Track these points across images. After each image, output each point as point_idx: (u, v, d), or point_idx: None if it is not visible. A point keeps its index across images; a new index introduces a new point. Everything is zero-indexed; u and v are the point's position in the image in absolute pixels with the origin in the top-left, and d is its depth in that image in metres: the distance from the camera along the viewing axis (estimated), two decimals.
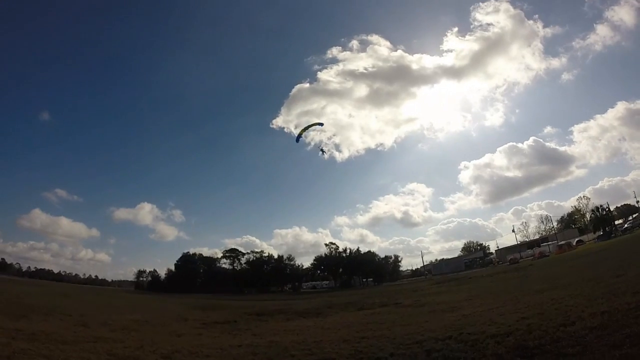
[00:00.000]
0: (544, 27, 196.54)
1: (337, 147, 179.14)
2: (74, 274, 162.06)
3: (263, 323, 25.05)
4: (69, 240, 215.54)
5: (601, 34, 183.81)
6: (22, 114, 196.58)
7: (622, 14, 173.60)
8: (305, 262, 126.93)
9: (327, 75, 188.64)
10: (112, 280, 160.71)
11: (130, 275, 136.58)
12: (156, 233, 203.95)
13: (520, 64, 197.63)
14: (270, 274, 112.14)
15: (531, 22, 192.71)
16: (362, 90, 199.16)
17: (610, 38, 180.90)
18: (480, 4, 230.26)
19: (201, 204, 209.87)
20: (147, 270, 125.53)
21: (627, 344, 8.05)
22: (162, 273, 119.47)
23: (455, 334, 12.75)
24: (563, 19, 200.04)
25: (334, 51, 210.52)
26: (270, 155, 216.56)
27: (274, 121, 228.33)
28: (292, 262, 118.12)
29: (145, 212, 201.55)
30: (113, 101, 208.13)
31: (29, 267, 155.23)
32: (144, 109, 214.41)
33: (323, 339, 15.86)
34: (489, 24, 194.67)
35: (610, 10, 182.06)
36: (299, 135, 30.92)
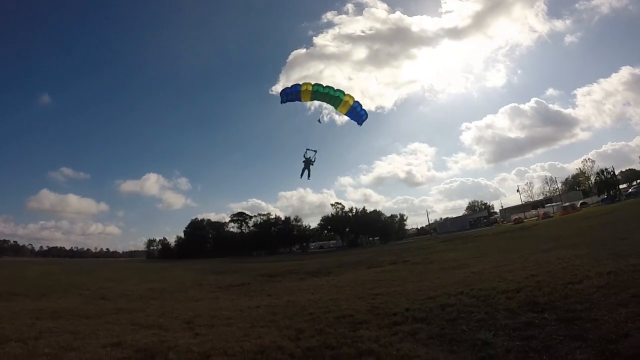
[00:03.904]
0: None
1: (337, 111, 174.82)
2: (85, 249, 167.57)
3: (276, 284, 25.88)
4: (78, 216, 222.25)
5: None
6: (22, 99, 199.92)
7: None
8: (312, 222, 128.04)
9: (323, 40, 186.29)
10: (124, 252, 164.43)
11: (141, 246, 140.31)
12: (163, 202, 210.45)
13: (523, 25, 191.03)
14: (278, 236, 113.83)
15: None
16: (361, 52, 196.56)
17: (618, 1, 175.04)
18: None
19: (206, 170, 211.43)
20: (157, 239, 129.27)
21: (633, 302, 8.46)
22: (172, 241, 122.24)
23: (466, 289, 13.34)
24: None
25: (329, 15, 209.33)
26: (271, 121, 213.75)
27: (273, 88, 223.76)
28: (299, 223, 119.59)
29: (152, 182, 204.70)
30: (112, 77, 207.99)
31: (41, 246, 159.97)
32: (143, 83, 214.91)
33: (338, 296, 16.48)
34: None
35: None
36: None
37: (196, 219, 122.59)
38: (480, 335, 8.08)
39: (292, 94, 19.70)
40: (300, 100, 20.20)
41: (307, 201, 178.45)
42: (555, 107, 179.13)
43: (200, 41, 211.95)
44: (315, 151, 20.48)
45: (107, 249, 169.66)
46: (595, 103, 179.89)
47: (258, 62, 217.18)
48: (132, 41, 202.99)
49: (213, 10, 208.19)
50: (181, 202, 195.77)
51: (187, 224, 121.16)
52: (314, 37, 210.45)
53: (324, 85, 19.60)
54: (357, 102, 20.03)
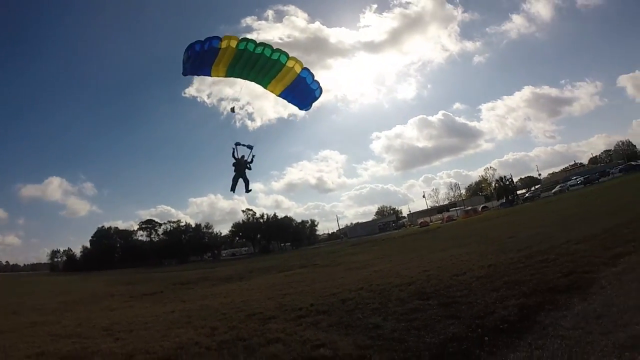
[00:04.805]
0: (464, 12, 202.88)
1: (250, 116, 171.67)
2: None
3: (190, 291, 25.81)
4: None
5: (517, 23, 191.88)
6: None
7: (540, 8, 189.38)
8: (223, 229, 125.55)
9: None
10: (25, 265, 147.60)
11: (43, 258, 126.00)
12: (67, 209, 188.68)
13: (436, 44, 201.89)
14: (189, 244, 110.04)
15: (451, 6, 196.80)
16: None
17: (526, 28, 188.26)
18: None
19: (113, 175, 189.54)
20: (62, 250, 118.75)
21: (503, 287, 10.00)
22: (78, 251, 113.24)
23: (366, 285, 14.66)
24: (483, 6, 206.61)
25: (249, 20, 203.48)
26: (182, 124, 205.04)
27: (186, 90, 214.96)
28: (210, 230, 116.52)
29: (54, 186, 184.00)
30: (13, 73, 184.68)
31: None
32: (47, 80, 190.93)
33: (249, 298, 17.16)
34: (408, 3, 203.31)
35: (529, 3, 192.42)
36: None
37: (102, 227, 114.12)
38: (372, 320, 9.21)
39: (204, 55, 11.71)
40: (210, 75, 12.80)
41: (218, 207, 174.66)
42: (462, 119, 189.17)
43: (111, 41, 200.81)
44: (250, 147, 13.62)
45: (7, 261, 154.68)
46: (498, 117, 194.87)
47: (172, 62, 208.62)
48: (34, 35, 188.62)
49: (126, 11, 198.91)
50: (86, 209, 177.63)
51: (93, 232, 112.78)
52: None
53: (257, 42, 12.04)
54: (307, 69, 12.75)
